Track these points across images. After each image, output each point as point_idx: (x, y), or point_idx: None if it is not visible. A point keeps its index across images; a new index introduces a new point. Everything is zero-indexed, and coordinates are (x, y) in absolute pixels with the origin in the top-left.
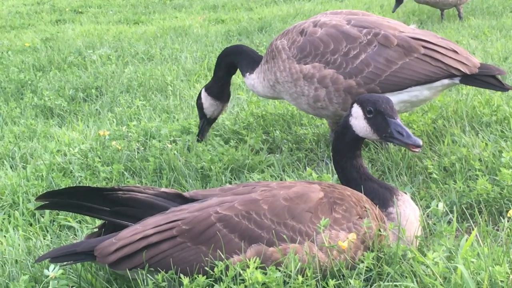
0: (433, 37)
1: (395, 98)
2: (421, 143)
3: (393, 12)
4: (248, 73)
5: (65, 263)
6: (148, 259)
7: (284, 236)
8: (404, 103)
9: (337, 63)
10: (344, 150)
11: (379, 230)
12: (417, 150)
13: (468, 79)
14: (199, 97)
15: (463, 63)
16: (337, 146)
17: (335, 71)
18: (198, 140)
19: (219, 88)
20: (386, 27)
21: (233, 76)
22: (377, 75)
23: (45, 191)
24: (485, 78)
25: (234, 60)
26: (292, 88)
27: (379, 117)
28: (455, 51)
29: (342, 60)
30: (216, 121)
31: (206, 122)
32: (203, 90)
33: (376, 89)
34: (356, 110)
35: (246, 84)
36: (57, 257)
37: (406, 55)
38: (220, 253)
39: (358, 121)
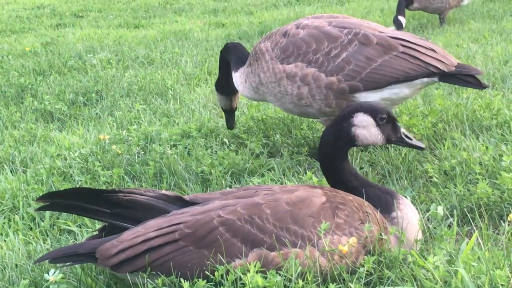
0: (412, 37)
1: (377, 95)
2: (424, 146)
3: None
4: (233, 71)
5: (66, 264)
6: (150, 262)
7: (287, 241)
8: (385, 101)
9: (319, 62)
10: (338, 155)
11: (380, 234)
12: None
13: (446, 77)
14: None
15: (441, 61)
16: (329, 153)
17: (316, 69)
18: (228, 128)
19: (222, 83)
20: (366, 28)
21: None
22: (357, 72)
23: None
24: (464, 77)
25: (226, 57)
26: (276, 88)
27: (391, 123)
28: (433, 50)
29: (323, 59)
30: (216, 125)
31: (226, 113)
32: (215, 84)
33: (358, 86)
34: (364, 119)
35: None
36: (57, 258)
37: (386, 53)
38: (223, 257)
39: (368, 129)
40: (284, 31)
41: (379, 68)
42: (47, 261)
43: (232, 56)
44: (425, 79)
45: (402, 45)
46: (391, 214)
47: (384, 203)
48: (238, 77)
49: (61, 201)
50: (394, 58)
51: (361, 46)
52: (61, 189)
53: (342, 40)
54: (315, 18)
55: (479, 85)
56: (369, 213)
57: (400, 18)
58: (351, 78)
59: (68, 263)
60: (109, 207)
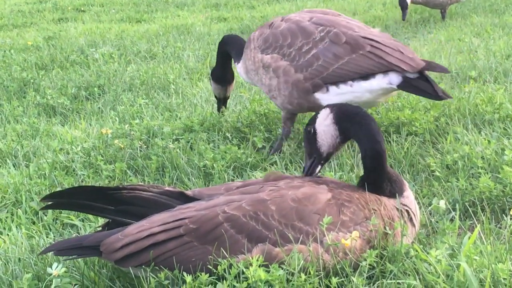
0: (385, 38)
1: (340, 98)
2: None
3: (403, 20)
4: (236, 63)
5: (70, 257)
6: (154, 257)
7: (291, 238)
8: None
9: (291, 56)
10: None
11: (385, 228)
12: None
13: (405, 85)
14: (209, 79)
15: (405, 62)
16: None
17: (289, 63)
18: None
19: (220, 73)
20: (342, 26)
21: (236, 75)
22: (325, 68)
23: (48, 190)
24: (422, 86)
25: (227, 49)
26: (255, 76)
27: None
28: (401, 52)
29: (296, 54)
30: (219, 119)
31: (219, 100)
32: (210, 72)
33: (320, 83)
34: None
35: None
36: (62, 250)
37: (353, 52)
38: (227, 253)
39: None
40: (271, 22)
41: (345, 64)
42: (51, 253)
43: (232, 49)
44: (384, 84)
45: (371, 45)
46: (403, 193)
47: (398, 184)
48: (240, 67)
49: (65, 200)
50: (360, 57)
51: (331, 44)
52: (64, 183)
53: (314, 36)
54: (308, 12)
55: (436, 96)
56: (375, 210)
57: None
58: (318, 73)
59: (72, 256)
60: (113, 204)
